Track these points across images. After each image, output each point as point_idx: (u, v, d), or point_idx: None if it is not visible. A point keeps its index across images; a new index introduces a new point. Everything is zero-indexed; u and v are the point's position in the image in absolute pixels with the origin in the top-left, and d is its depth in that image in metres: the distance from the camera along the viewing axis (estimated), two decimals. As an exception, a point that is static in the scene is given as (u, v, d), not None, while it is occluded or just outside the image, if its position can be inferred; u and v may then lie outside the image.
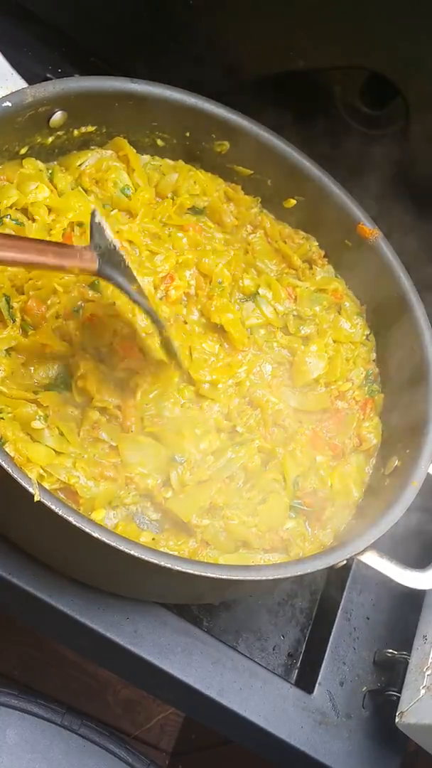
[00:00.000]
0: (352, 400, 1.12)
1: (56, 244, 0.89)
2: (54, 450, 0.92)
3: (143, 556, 0.80)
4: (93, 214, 0.88)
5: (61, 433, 0.93)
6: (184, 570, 0.81)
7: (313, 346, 1.11)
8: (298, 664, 1.16)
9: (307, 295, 1.15)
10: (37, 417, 0.92)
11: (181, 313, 1.07)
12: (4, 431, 0.89)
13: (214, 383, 1.04)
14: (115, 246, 0.88)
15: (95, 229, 0.88)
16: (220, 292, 1.09)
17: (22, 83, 1.05)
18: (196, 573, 0.82)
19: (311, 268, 1.18)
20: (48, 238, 1.00)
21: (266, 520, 0.98)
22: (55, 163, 1.07)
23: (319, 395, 1.11)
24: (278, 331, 1.12)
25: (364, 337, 1.17)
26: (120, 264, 0.88)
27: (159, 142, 1.12)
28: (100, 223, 0.88)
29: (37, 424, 0.91)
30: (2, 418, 0.91)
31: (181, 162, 1.13)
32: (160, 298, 1.06)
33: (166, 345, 0.95)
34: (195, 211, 1.13)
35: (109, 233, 0.88)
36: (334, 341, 1.14)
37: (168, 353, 0.97)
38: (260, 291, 1.12)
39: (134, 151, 1.10)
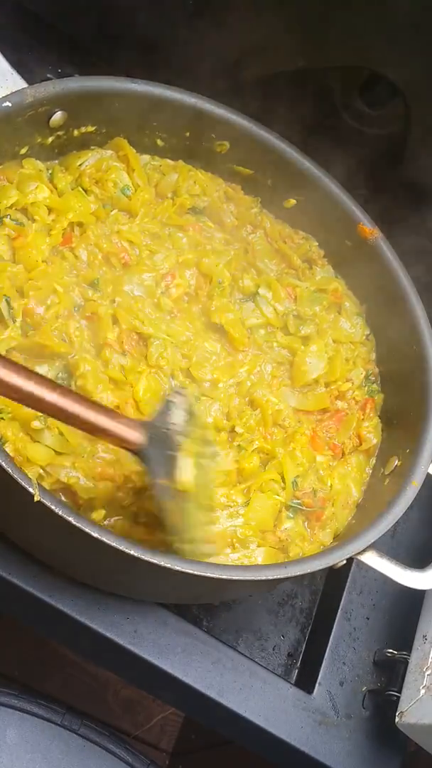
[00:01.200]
0: (352, 400, 1.12)
1: (103, 407, 0.82)
2: (54, 450, 0.92)
3: (143, 556, 0.80)
4: (174, 392, 0.86)
5: (61, 433, 0.93)
6: (184, 570, 0.81)
7: (313, 346, 1.11)
8: (298, 664, 1.16)
9: (307, 295, 1.15)
10: (37, 417, 0.92)
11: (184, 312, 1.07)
12: (5, 431, 0.89)
13: (214, 382, 1.04)
14: (173, 432, 0.84)
15: (166, 405, 0.85)
16: (220, 292, 1.09)
17: (22, 83, 1.05)
18: (196, 573, 0.82)
19: (311, 268, 1.18)
20: (48, 239, 1.00)
21: (256, 522, 0.97)
22: (56, 162, 1.07)
23: (319, 395, 1.11)
24: (278, 331, 1.12)
25: (364, 337, 1.17)
26: (167, 447, 0.84)
27: (159, 142, 1.11)
28: (174, 402, 0.85)
29: (36, 424, 0.91)
30: (2, 418, 0.91)
31: (181, 162, 1.13)
32: (161, 293, 1.06)
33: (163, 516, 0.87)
34: (195, 211, 1.13)
35: (178, 415, 0.85)
36: (334, 341, 1.14)
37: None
38: (260, 291, 1.12)
39: (134, 151, 1.10)
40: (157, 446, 0.83)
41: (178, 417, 0.85)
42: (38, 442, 0.91)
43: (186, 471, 0.85)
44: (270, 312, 1.12)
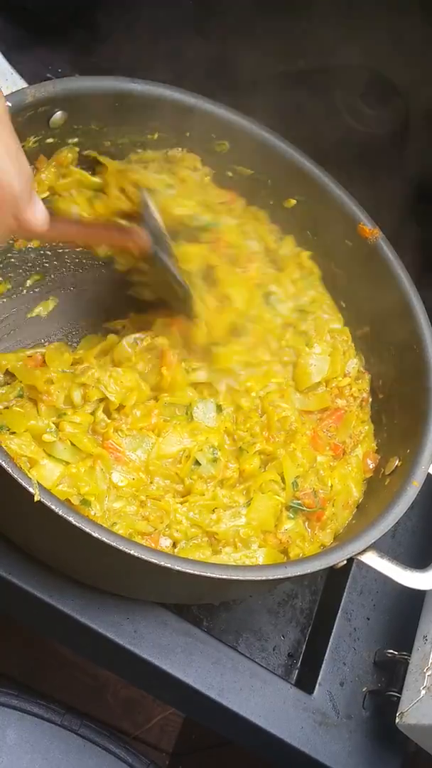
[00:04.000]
0: (351, 398, 1.12)
1: (117, 225, 0.99)
2: (64, 461, 0.92)
3: (143, 556, 0.80)
4: (143, 199, 0.96)
5: (73, 444, 0.93)
6: (184, 570, 0.81)
7: (316, 347, 1.11)
8: (299, 665, 1.16)
9: (302, 283, 1.15)
10: (48, 430, 0.92)
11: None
12: (15, 447, 0.89)
13: (248, 391, 1.05)
14: (161, 229, 0.97)
15: (146, 213, 0.96)
16: None
17: (22, 83, 1.05)
18: (196, 573, 0.82)
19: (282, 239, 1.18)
20: None
21: (258, 522, 0.98)
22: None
23: (320, 395, 1.11)
24: (289, 328, 1.12)
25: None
26: (166, 245, 0.97)
27: (159, 141, 1.11)
28: (149, 207, 0.96)
29: (48, 437, 0.91)
30: (14, 432, 0.91)
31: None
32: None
33: (190, 305, 1.01)
34: None
35: (157, 216, 0.96)
36: (330, 334, 1.13)
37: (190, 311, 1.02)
38: (271, 288, 1.12)
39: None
40: (159, 244, 0.95)
41: (158, 217, 0.97)
42: (51, 455, 0.91)
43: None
44: (285, 310, 1.12)
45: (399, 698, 1.08)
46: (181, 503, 0.95)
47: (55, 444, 0.92)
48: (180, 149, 1.12)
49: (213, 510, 0.96)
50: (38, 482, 0.79)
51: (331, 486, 1.05)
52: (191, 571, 0.82)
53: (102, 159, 1.05)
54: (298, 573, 0.88)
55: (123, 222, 1.00)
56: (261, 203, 1.18)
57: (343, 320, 1.17)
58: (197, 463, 0.98)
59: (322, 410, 1.10)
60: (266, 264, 1.15)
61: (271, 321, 1.10)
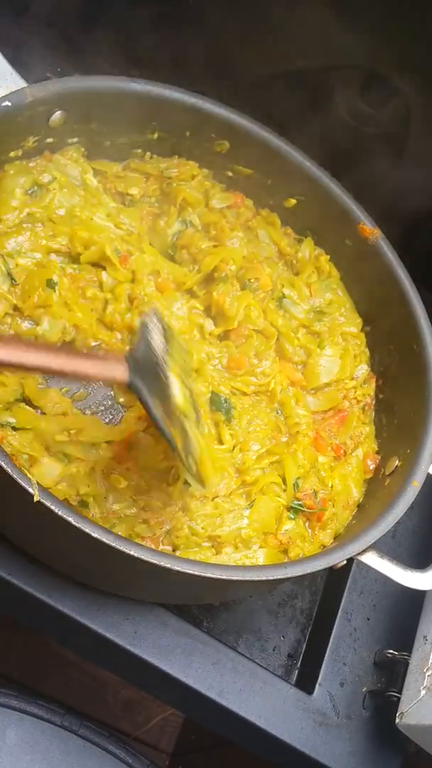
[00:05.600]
0: (354, 400, 1.12)
1: (86, 354, 0.88)
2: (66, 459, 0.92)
3: (143, 556, 0.80)
4: (144, 324, 0.85)
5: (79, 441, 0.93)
6: (183, 570, 0.81)
7: (327, 350, 1.11)
8: (299, 665, 1.16)
9: (318, 285, 1.15)
10: (63, 431, 0.92)
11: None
12: (18, 446, 0.89)
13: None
14: (157, 355, 0.84)
15: (141, 341, 0.85)
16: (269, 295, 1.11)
17: (22, 83, 1.05)
18: (196, 573, 0.82)
19: (299, 242, 1.18)
20: None
21: (260, 524, 0.97)
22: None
23: (328, 394, 1.10)
24: (300, 328, 1.12)
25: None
26: (155, 374, 0.84)
27: (158, 141, 1.11)
28: (148, 330, 0.85)
29: (61, 437, 0.91)
30: (22, 429, 0.90)
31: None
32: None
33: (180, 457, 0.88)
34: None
35: (157, 339, 0.84)
36: (342, 336, 1.13)
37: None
38: (285, 292, 1.12)
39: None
40: (145, 375, 0.84)
41: (157, 339, 0.85)
42: (53, 456, 0.91)
43: (176, 392, 0.85)
44: (300, 312, 1.12)
45: (399, 698, 1.08)
46: (183, 512, 0.95)
47: (67, 443, 0.92)
48: (176, 158, 1.12)
49: (216, 517, 0.96)
50: (38, 482, 0.79)
51: (332, 486, 1.04)
52: (191, 572, 0.82)
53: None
54: (298, 573, 0.88)
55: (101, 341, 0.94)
56: (261, 203, 1.19)
57: (361, 325, 1.17)
58: (187, 483, 0.95)
59: (324, 411, 1.10)
60: (281, 268, 1.15)
61: (285, 326, 1.10)
